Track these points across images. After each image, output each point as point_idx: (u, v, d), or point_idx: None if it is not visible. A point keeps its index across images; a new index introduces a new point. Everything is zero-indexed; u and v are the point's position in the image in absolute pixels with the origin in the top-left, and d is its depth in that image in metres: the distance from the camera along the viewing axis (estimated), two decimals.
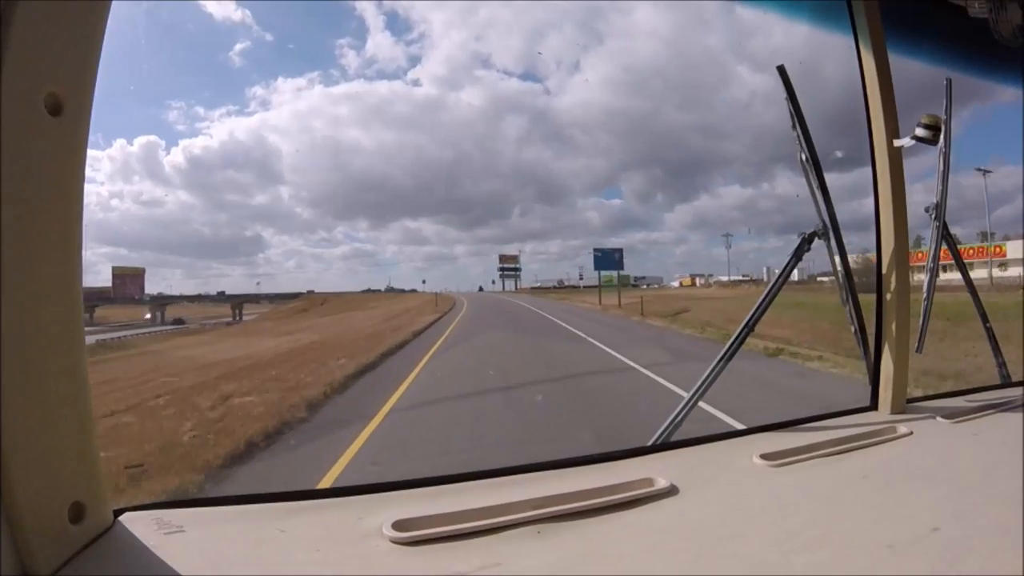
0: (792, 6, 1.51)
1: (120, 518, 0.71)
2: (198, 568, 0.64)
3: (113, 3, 0.62)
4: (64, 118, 0.59)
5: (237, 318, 31.30)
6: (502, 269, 53.18)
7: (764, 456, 1.01)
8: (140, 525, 0.70)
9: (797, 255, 1.31)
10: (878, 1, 1.30)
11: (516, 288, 52.80)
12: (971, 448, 1.13)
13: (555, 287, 51.61)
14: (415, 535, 0.72)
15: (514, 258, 54.57)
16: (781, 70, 1.31)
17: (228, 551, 0.69)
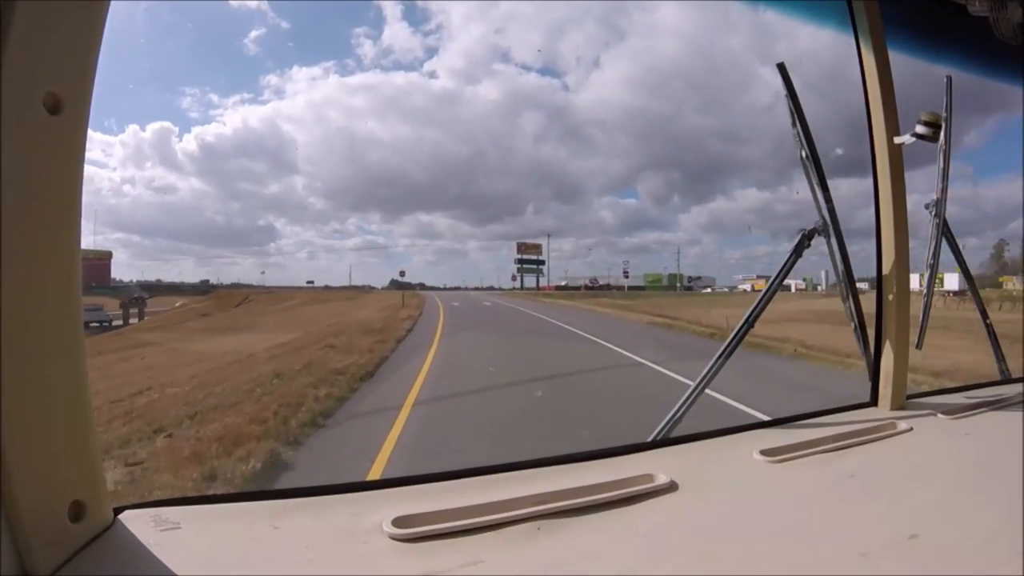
0: (792, 6, 1.51)
1: (120, 516, 0.71)
2: (200, 567, 0.65)
3: None
4: (64, 118, 0.59)
5: (131, 320, 23.52)
6: (521, 262, 41.82)
7: (764, 452, 1.02)
8: (140, 524, 0.70)
9: (797, 252, 1.31)
10: (878, 1, 1.30)
11: (538, 287, 41.22)
12: (970, 445, 1.13)
13: (587, 287, 41.45)
14: (415, 532, 0.72)
15: (536, 247, 42.74)
16: (781, 67, 1.31)
17: (230, 549, 0.69)
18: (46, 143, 0.58)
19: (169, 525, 0.71)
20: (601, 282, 42.73)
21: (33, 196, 0.57)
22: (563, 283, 42.58)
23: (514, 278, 43.00)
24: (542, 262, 42.89)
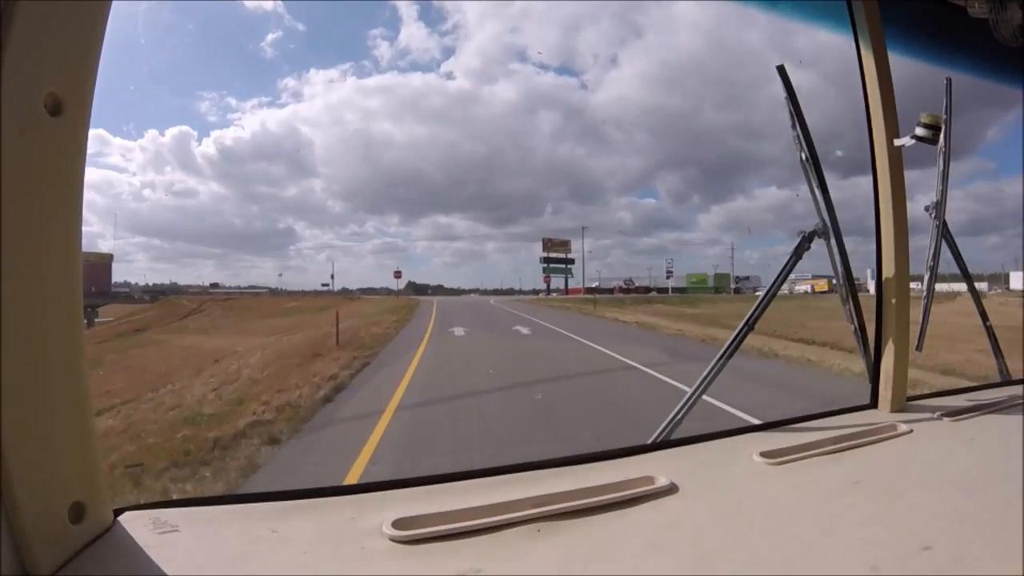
0: (792, 6, 1.51)
1: (120, 518, 0.71)
2: (201, 568, 0.65)
3: None
4: (64, 118, 0.59)
5: None
6: (547, 261, 36.32)
7: (764, 454, 1.01)
8: (140, 525, 0.70)
9: (797, 254, 1.31)
10: (878, 1, 1.31)
11: (567, 289, 35.67)
12: (970, 447, 1.13)
13: (621, 289, 35.88)
14: (415, 534, 0.72)
15: (564, 245, 37.25)
16: (781, 70, 1.31)
17: (229, 551, 0.69)
18: (47, 144, 0.58)
19: (168, 527, 0.71)
20: (637, 283, 37.23)
21: (34, 197, 0.57)
22: (594, 284, 37.08)
23: (547, 279, 36.39)
24: (571, 261, 37.05)
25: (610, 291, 36.01)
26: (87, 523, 0.64)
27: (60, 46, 0.59)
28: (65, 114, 0.59)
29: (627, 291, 35.92)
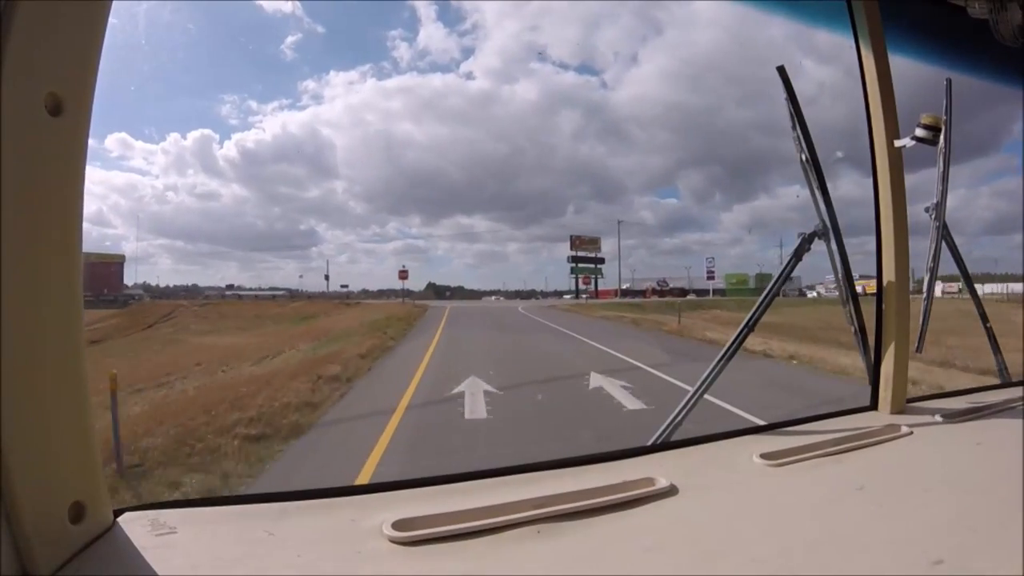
0: (792, 6, 1.51)
1: (120, 518, 0.71)
2: (199, 569, 0.64)
3: None
4: (64, 118, 0.59)
5: None
6: (575, 260, 33.93)
7: (764, 456, 1.01)
8: (140, 526, 0.70)
9: (797, 255, 1.31)
10: (878, 1, 1.31)
11: (596, 292, 33.07)
12: (970, 449, 1.13)
13: (655, 291, 33.18)
14: (415, 535, 0.72)
15: (594, 242, 34.79)
16: (781, 70, 1.31)
17: (228, 553, 0.69)
18: (47, 144, 0.58)
19: (167, 529, 0.71)
20: (671, 284, 34.49)
21: (34, 197, 0.57)
22: (626, 286, 35.07)
23: (586, 280, 33.55)
24: (601, 261, 34.97)
25: (642, 293, 33.62)
26: (87, 523, 0.64)
27: (60, 46, 0.59)
28: (65, 114, 0.59)
29: (662, 293, 32.84)
